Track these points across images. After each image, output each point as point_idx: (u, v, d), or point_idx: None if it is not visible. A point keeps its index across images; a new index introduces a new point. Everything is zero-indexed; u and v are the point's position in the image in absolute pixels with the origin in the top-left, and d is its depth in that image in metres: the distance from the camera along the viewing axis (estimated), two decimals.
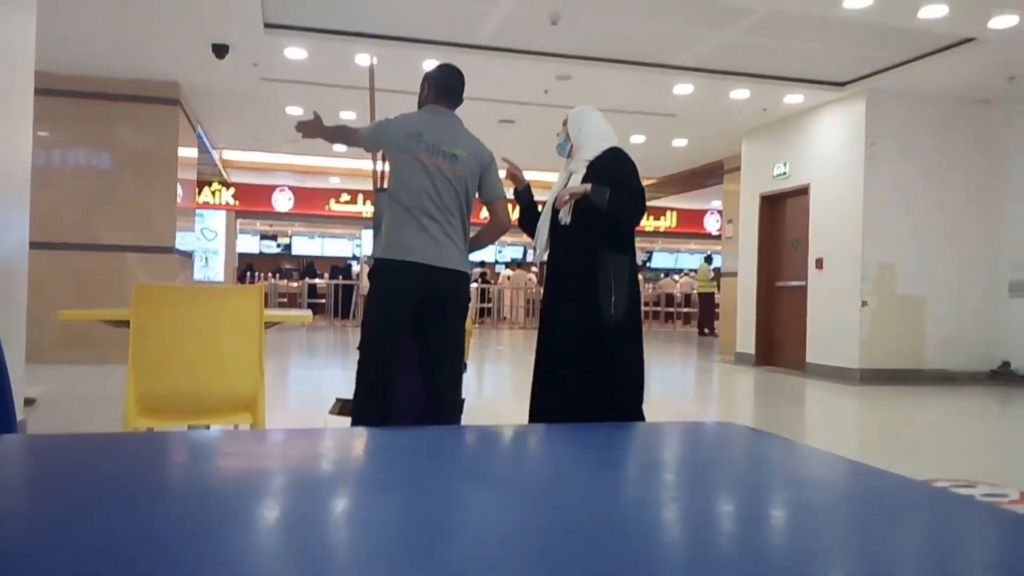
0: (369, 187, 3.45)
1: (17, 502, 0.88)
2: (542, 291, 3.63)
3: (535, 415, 3.45)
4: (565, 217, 3.39)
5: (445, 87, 3.42)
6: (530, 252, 25.94)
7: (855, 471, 1.04)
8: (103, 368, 7.18)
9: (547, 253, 3.53)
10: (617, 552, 0.70)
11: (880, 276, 8.52)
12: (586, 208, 3.32)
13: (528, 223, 3.64)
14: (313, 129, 3.47)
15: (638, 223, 3.51)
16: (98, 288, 7.84)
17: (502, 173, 3.48)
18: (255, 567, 0.67)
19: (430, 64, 7.91)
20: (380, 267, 3.23)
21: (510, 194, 3.58)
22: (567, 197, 3.37)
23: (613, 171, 3.40)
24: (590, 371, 3.29)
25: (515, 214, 3.62)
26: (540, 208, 3.62)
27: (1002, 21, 6.34)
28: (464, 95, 3.46)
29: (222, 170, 15.19)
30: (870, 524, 0.85)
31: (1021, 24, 6.35)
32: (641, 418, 3.35)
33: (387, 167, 3.41)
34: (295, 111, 10.34)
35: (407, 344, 3.22)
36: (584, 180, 3.38)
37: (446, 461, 1.12)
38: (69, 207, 8.29)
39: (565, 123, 3.61)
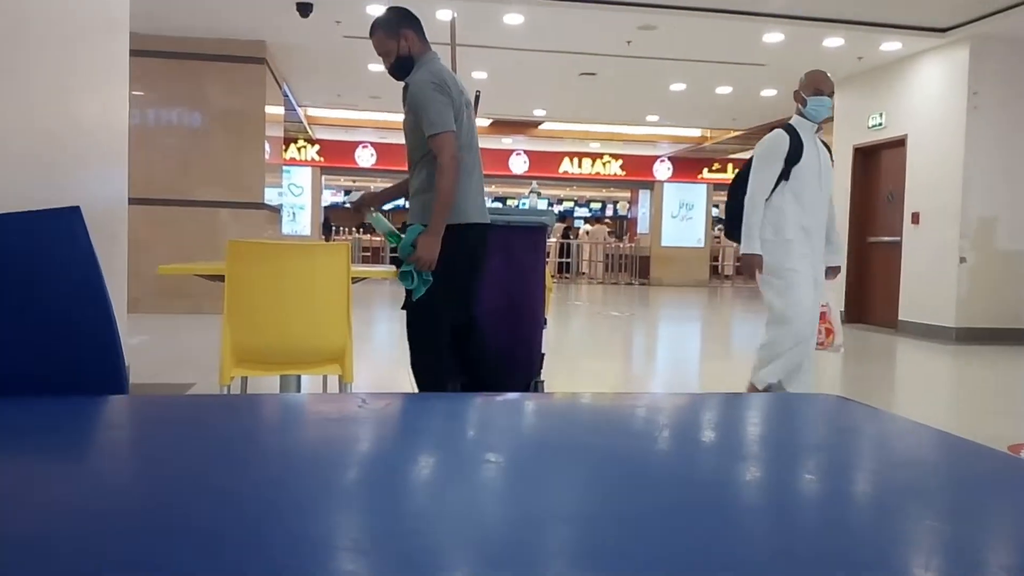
0: None
1: (125, 464, 0.93)
2: None
3: None
4: None
5: (423, 28, 3.07)
6: (609, 207, 25.43)
7: (949, 446, 1.00)
8: (197, 318, 7.50)
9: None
10: (692, 532, 0.70)
11: (980, 231, 8.11)
12: None
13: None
14: (371, 201, 3.33)
15: None
16: (191, 242, 8.16)
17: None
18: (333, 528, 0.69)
19: (512, 18, 7.82)
20: (463, 233, 2.97)
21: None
22: None
23: None
24: None
25: None
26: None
27: None
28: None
29: (307, 127, 15.46)
30: (962, 506, 0.82)
31: None
32: None
33: None
34: (377, 68, 10.39)
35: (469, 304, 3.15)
36: None
37: (523, 430, 1.13)
38: (163, 164, 8.60)
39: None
